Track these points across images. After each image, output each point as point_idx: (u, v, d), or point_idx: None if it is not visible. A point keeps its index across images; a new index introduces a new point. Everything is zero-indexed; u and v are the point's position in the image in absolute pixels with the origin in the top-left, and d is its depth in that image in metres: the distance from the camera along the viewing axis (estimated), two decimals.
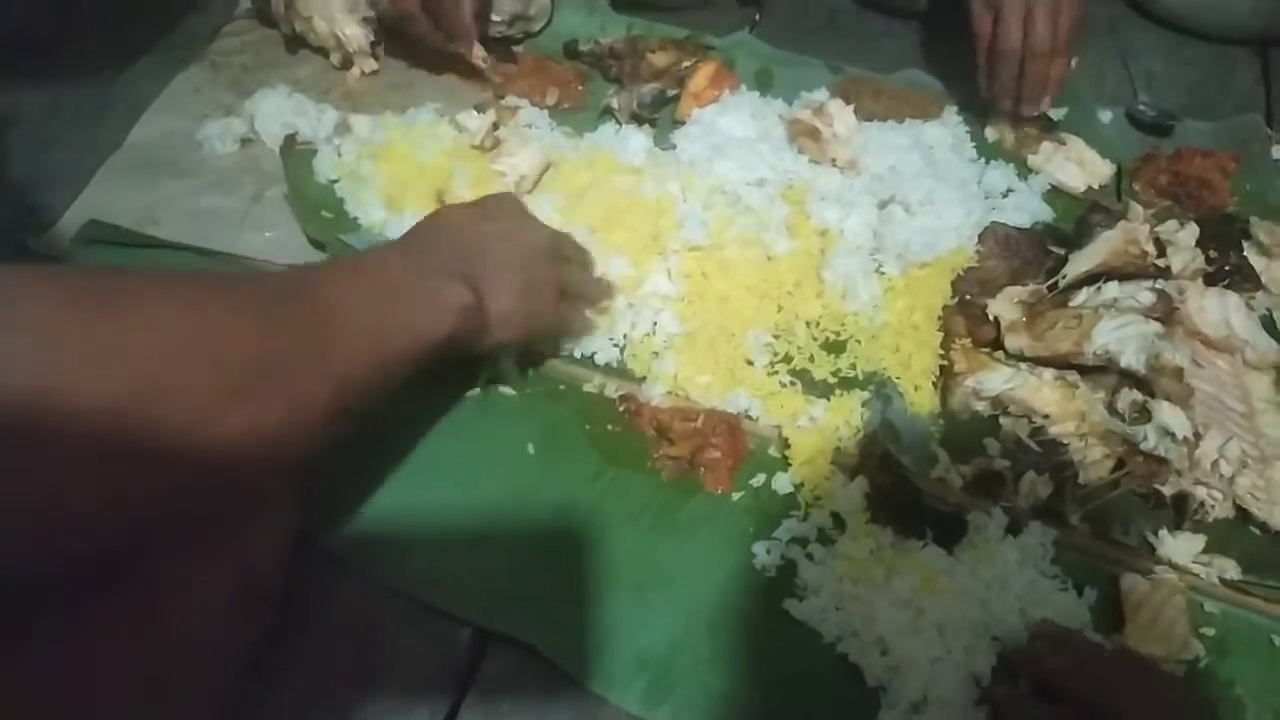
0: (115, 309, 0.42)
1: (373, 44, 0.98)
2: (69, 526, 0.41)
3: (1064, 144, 0.95)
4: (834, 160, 0.89)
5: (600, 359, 0.76)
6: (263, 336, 0.47)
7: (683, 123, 0.94)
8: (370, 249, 0.67)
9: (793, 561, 0.66)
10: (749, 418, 0.74)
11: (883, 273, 0.82)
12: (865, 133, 0.92)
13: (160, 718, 0.50)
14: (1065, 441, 0.71)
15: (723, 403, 0.73)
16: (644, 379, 0.75)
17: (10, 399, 0.38)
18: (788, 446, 0.71)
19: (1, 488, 0.38)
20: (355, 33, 0.96)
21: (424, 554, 0.65)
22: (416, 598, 0.63)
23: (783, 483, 0.70)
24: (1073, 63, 0.92)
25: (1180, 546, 0.68)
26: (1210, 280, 0.82)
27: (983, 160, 0.94)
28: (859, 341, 0.78)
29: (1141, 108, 1.02)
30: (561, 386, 0.75)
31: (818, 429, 0.72)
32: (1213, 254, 0.83)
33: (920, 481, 0.68)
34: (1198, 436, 0.70)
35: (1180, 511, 0.70)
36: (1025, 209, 0.89)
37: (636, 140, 0.90)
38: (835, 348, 0.78)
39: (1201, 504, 0.69)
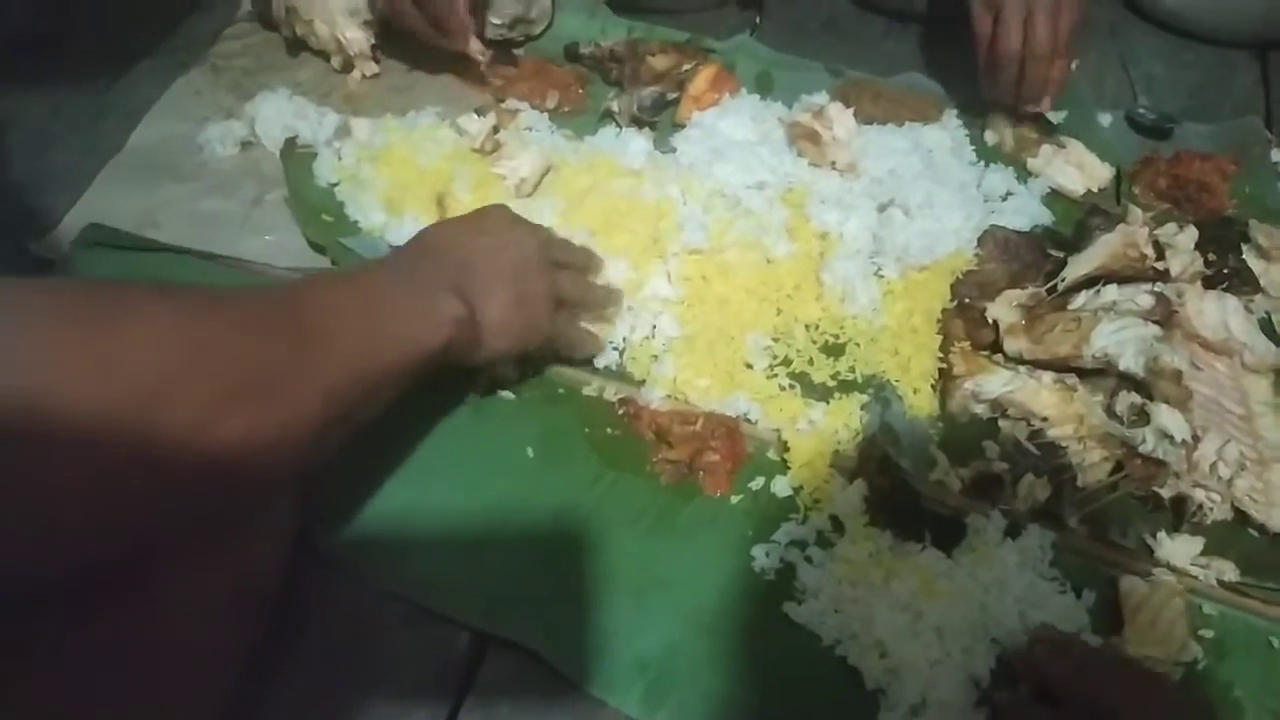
0: (113, 322, 0.42)
1: (373, 47, 0.98)
2: (65, 531, 0.42)
3: (1063, 147, 0.95)
4: (834, 163, 0.89)
5: (599, 362, 0.76)
6: (255, 348, 0.48)
7: (683, 126, 0.95)
8: (364, 264, 0.68)
9: (792, 564, 0.66)
10: (748, 421, 0.74)
11: (882, 276, 0.82)
12: (865, 136, 0.92)
13: None
14: (1064, 444, 0.71)
15: (722, 406, 0.74)
16: (643, 382, 0.75)
17: (8, 404, 0.38)
18: (787, 450, 0.71)
19: None
20: (356, 36, 0.96)
21: (423, 557, 0.65)
22: (416, 601, 0.63)
23: (782, 486, 0.70)
24: (1073, 65, 0.92)
25: (1179, 549, 0.68)
26: (1209, 283, 0.82)
27: (982, 163, 0.94)
28: (858, 344, 0.78)
29: (1141, 110, 1.02)
30: (561, 390, 0.75)
31: (817, 432, 0.72)
32: (1212, 257, 0.83)
33: (919, 484, 0.68)
34: (1196, 439, 0.70)
35: (1179, 514, 0.70)
36: (1024, 212, 0.89)
37: (636, 143, 0.91)
38: (834, 351, 0.78)
39: (1200, 506, 0.69)
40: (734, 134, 0.92)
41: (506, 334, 0.65)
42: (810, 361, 0.77)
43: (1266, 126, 1.02)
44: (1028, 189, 0.92)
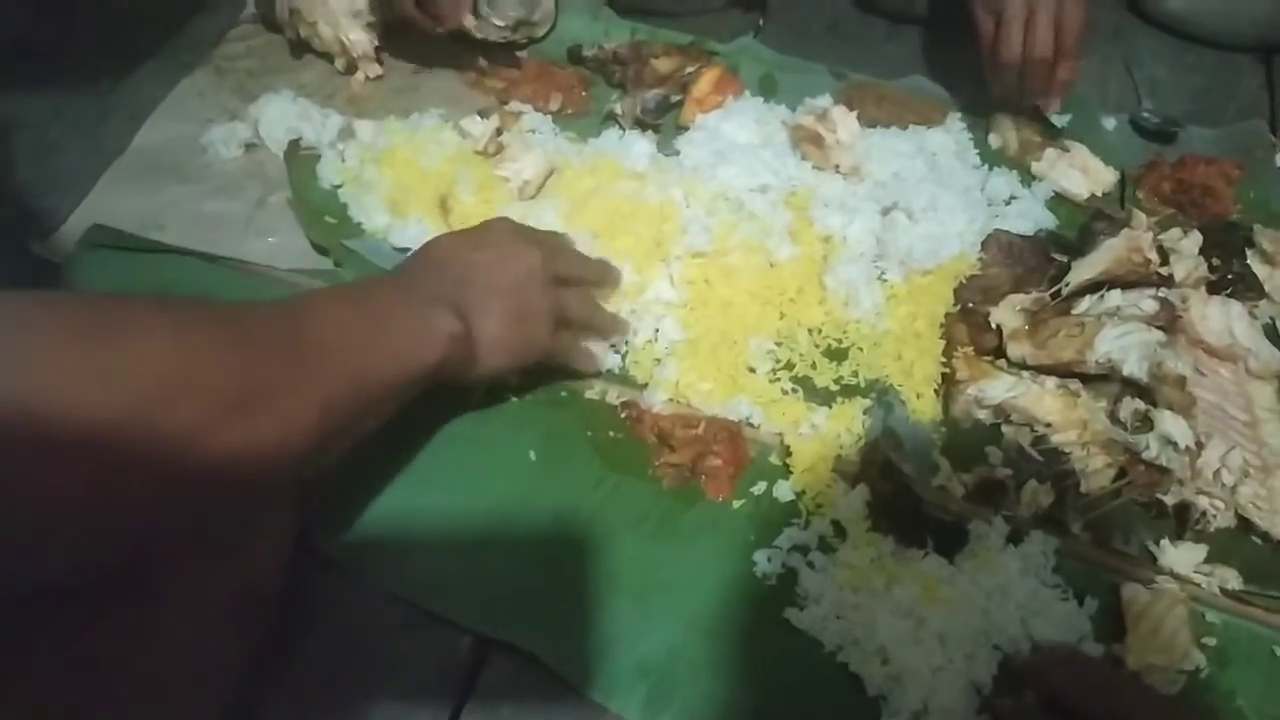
0: (113, 334, 0.43)
1: (377, 49, 0.98)
2: (64, 535, 0.42)
3: (1067, 151, 0.95)
4: (837, 166, 0.89)
5: (601, 365, 0.76)
6: (254, 361, 0.48)
7: (686, 128, 0.94)
8: (365, 278, 0.68)
9: (794, 570, 0.66)
10: (750, 425, 0.74)
11: (885, 280, 0.82)
12: (868, 139, 0.92)
13: None
14: (1067, 450, 0.71)
15: (724, 410, 0.73)
16: (646, 386, 0.75)
17: (8, 410, 0.38)
18: (789, 454, 0.71)
19: None
20: (359, 38, 0.96)
21: (425, 560, 0.65)
22: (417, 604, 0.63)
23: (784, 490, 0.70)
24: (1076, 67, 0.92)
25: (1182, 556, 0.67)
26: (1213, 289, 0.82)
27: (986, 167, 0.94)
28: (861, 349, 0.78)
29: (1145, 114, 1.02)
30: (563, 393, 0.75)
31: (819, 437, 0.72)
32: (1216, 262, 0.83)
33: (922, 490, 0.68)
34: (1200, 446, 0.70)
35: (1182, 521, 0.70)
36: (1028, 216, 0.89)
37: (640, 146, 0.90)
38: (837, 355, 0.78)
39: (1203, 513, 0.69)
40: (737, 137, 0.92)
41: (503, 351, 0.65)
42: (813, 366, 0.77)
43: (1271, 130, 1.02)
44: (1032, 193, 0.92)
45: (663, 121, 0.96)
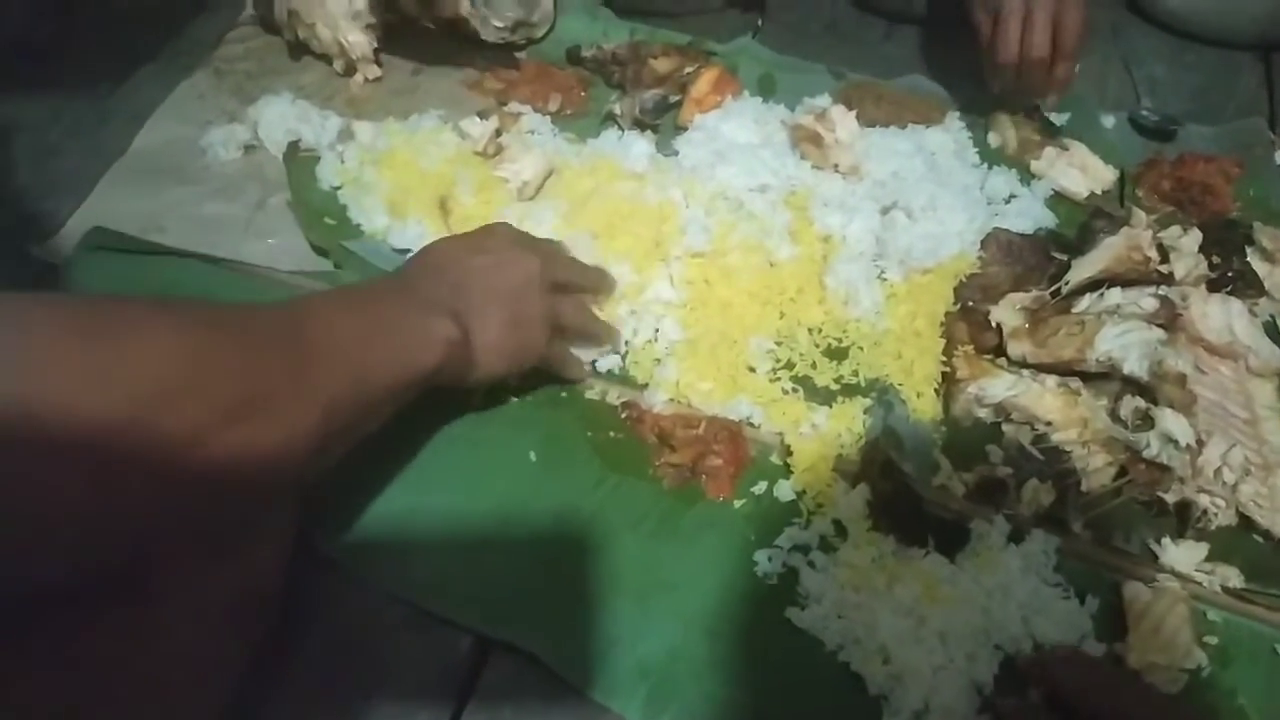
0: (114, 335, 0.43)
1: (376, 51, 0.98)
2: (63, 535, 0.42)
3: (1067, 149, 0.95)
4: (836, 166, 0.89)
5: (602, 365, 0.76)
6: (256, 362, 0.48)
7: (685, 129, 0.94)
8: (365, 282, 0.68)
9: (794, 569, 0.66)
10: (751, 425, 0.73)
11: (885, 279, 0.82)
12: (867, 138, 0.92)
13: None
14: (1068, 449, 0.71)
15: (724, 410, 0.73)
16: (646, 386, 0.75)
17: (8, 411, 0.38)
18: (790, 454, 0.71)
19: None
20: (358, 39, 0.96)
21: (425, 561, 0.65)
22: (417, 605, 0.63)
23: (784, 490, 0.70)
24: (1074, 67, 0.92)
25: (1183, 554, 0.67)
26: (1213, 286, 0.81)
27: (985, 166, 0.94)
28: (861, 348, 0.78)
29: (1144, 112, 1.02)
30: (563, 393, 0.75)
31: (819, 436, 0.72)
32: (1216, 260, 0.83)
33: (922, 489, 0.68)
34: (1200, 444, 0.70)
35: (1183, 519, 0.70)
36: (1028, 215, 0.89)
37: (639, 146, 0.90)
38: (837, 354, 0.78)
39: (1204, 512, 0.69)
40: (736, 137, 0.92)
41: (499, 356, 0.65)
42: (813, 365, 0.77)
43: (1270, 128, 1.02)
44: (1031, 191, 0.92)
45: (662, 122, 0.96)
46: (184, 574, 0.50)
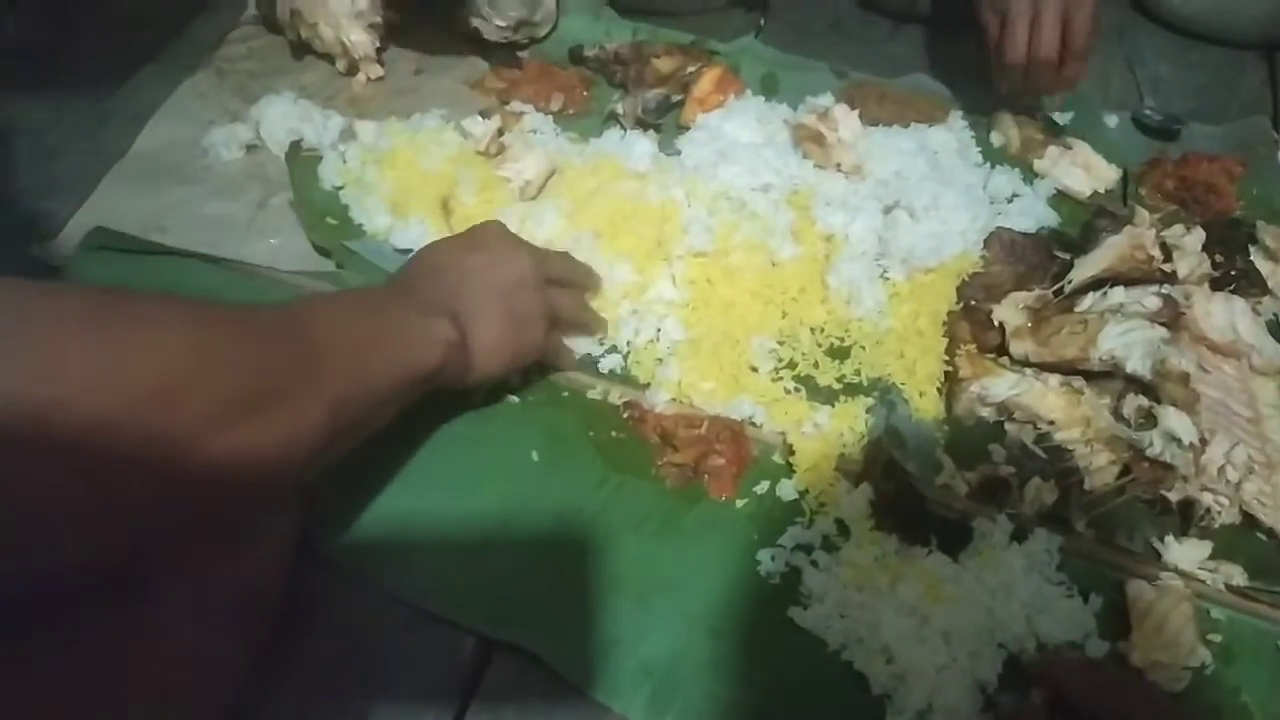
0: (120, 327, 0.43)
1: (378, 50, 0.98)
2: (65, 532, 0.42)
3: (1070, 148, 0.95)
4: (839, 165, 0.89)
5: (604, 365, 0.76)
6: (261, 358, 0.48)
7: (687, 128, 0.94)
8: (363, 287, 0.68)
9: (797, 569, 0.66)
10: (753, 424, 0.73)
11: (887, 278, 0.82)
12: (870, 137, 0.92)
13: None
14: (1070, 447, 0.71)
15: (727, 409, 0.73)
16: (648, 385, 0.75)
17: (10, 408, 0.38)
18: (792, 453, 0.71)
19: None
20: (360, 39, 0.96)
21: (427, 561, 0.65)
22: (419, 606, 0.63)
23: (787, 490, 0.70)
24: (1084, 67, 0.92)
25: (1186, 553, 0.67)
26: (1216, 285, 0.81)
27: (988, 165, 0.94)
28: (863, 347, 0.78)
29: (1148, 112, 1.02)
30: (565, 393, 0.75)
31: (822, 435, 0.72)
32: (1219, 259, 0.83)
33: (925, 488, 0.68)
34: (1204, 442, 0.70)
35: (1186, 517, 0.70)
36: (1031, 214, 0.89)
37: (641, 146, 0.90)
38: (840, 354, 0.78)
39: (1207, 510, 0.69)
40: (739, 136, 0.92)
41: (499, 354, 0.65)
42: (815, 364, 0.77)
43: (1274, 127, 1.01)
44: (1034, 190, 0.92)
45: (664, 121, 0.96)
46: (186, 573, 0.50)
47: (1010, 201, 0.91)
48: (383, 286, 0.66)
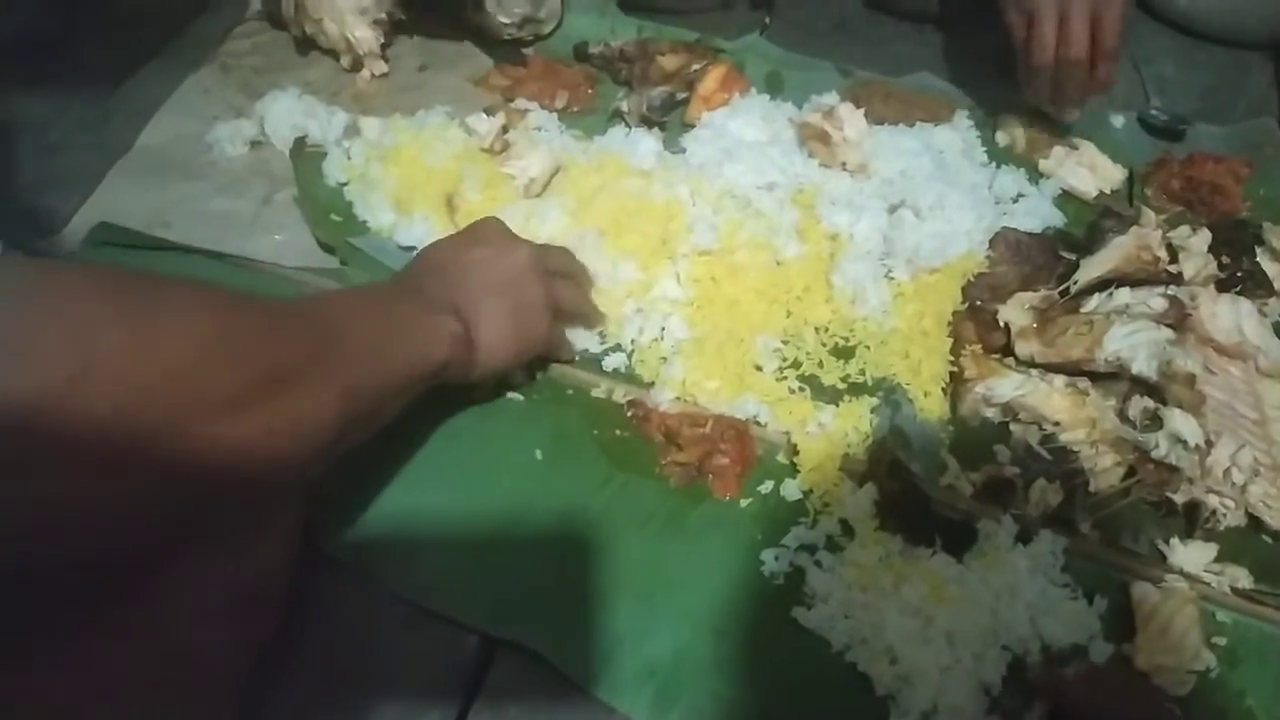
0: (147, 308, 0.42)
1: (383, 46, 0.98)
2: (70, 525, 0.42)
3: (1075, 148, 0.95)
4: (844, 164, 0.89)
5: (608, 364, 0.76)
6: (277, 347, 0.48)
7: (692, 126, 0.94)
8: (369, 285, 0.69)
9: (801, 569, 0.65)
10: (758, 424, 0.73)
11: (892, 278, 0.82)
12: (875, 136, 0.92)
13: None
14: (1076, 449, 0.71)
15: (731, 408, 0.73)
16: (652, 384, 0.75)
17: (10, 405, 0.37)
18: (796, 453, 0.71)
19: (5, 484, 0.38)
20: (365, 35, 0.96)
21: (431, 560, 0.65)
22: (422, 604, 0.63)
23: (791, 489, 0.70)
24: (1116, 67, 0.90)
25: (1192, 555, 0.67)
26: (1222, 286, 0.81)
27: (993, 164, 0.94)
28: (868, 347, 0.78)
29: (1154, 112, 1.01)
30: (569, 392, 0.75)
31: (826, 435, 0.72)
32: (1225, 260, 0.82)
33: (929, 489, 0.68)
34: (1209, 444, 0.70)
35: (1192, 520, 0.69)
36: (1036, 214, 0.89)
37: (646, 143, 0.90)
38: (844, 353, 0.78)
39: (1213, 512, 0.69)
40: (744, 134, 0.92)
41: (504, 346, 0.65)
42: (820, 364, 0.77)
43: None
44: (1039, 190, 0.92)
45: (669, 119, 0.96)
46: (187, 572, 0.50)
47: (1016, 201, 0.90)
48: (388, 284, 0.66)
